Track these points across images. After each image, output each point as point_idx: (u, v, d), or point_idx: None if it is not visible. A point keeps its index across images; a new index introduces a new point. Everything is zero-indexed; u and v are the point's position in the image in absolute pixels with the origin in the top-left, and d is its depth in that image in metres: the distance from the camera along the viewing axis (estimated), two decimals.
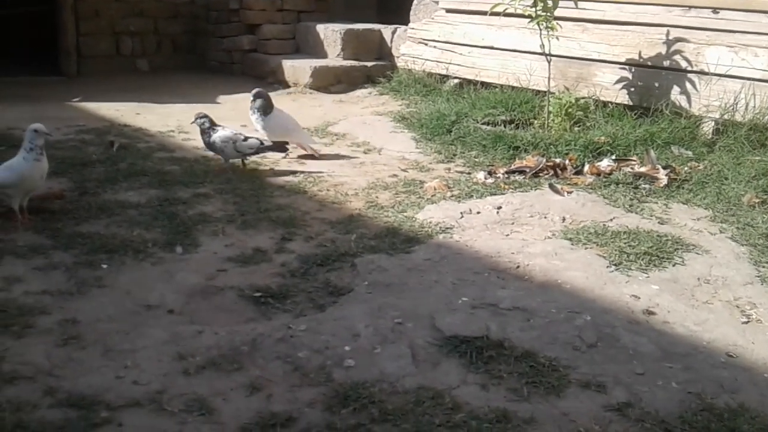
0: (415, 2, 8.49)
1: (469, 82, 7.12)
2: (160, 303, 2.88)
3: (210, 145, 4.74)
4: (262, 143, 4.80)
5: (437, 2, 7.95)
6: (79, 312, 2.73)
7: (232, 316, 2.83)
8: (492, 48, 6.99)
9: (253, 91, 5.22)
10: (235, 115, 6.11)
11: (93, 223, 3.66)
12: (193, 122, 4.80)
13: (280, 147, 4.95)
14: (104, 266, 3.16)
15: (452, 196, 4.42)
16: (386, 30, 8.75)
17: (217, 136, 4.67)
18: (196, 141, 5.58)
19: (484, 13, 6.34)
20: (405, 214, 4.09)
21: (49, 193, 4.00)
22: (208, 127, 4.71)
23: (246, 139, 4.72)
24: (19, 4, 9.04)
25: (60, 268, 3.10)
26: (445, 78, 7.53)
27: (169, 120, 6.19)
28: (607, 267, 3.30)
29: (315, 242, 3.64)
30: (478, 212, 4.03)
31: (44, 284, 2.94)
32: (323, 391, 2.30)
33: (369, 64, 8.46)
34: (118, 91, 7.43)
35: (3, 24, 9.27)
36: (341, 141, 5.93)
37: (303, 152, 5.28)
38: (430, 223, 3.90)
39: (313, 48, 8.83)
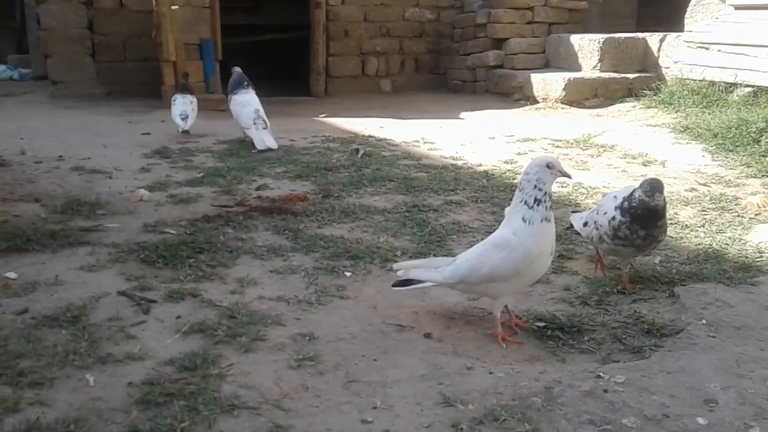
0: (692, 2, 7.27)
1: (766, 90, 5.75)
2: (413, 323, 2.21)
3: None
4: None
5: (723, 0, 6.69)
6: (317, 326, 2.16)
7: (508, 349, 2.06)
8: None
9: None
10: (480, 130, 5.35)
11: (336, 226, 3.17)
12: None
13: None
14: (347, 274, 2.59)
15: None
16: (652, 38, 7.68)
17: None
18: (443, 150, 5.05)
19: None
20: (725, 234, 3.04)
21: (292, 195, 3.66)
22: None
23: None
24: (277, 30, 9.49)
25: (299, 272, 2.60)
26: (731, 86, 6.24)
27: (413, 132, 5.75)
28: None
29: (604, 264, 2.76)
30: None
31: (281, 290, 2.44)
32: None
33: (631, 76, 7.44)
34: (362, 109, 7.29)
35: (265, 49, 9.84)
36: (610, 153, 4.98)
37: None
38: None
39: (565, 60, 8.00)
